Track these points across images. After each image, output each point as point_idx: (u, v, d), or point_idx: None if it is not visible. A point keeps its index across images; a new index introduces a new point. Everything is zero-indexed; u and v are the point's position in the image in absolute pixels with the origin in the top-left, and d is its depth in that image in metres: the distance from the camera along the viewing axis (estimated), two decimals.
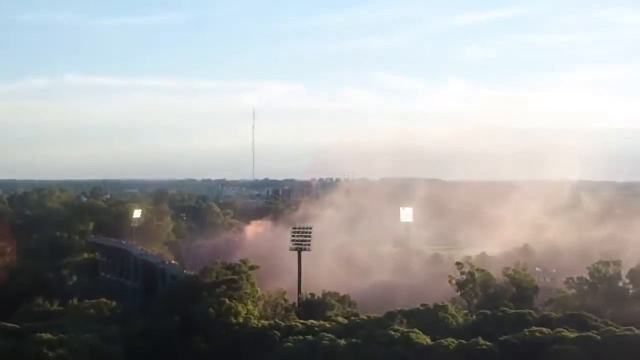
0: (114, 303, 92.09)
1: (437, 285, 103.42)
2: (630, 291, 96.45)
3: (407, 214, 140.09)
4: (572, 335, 72.63)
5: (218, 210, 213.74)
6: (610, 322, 77.41)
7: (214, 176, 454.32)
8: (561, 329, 74.14)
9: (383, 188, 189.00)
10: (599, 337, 71.48)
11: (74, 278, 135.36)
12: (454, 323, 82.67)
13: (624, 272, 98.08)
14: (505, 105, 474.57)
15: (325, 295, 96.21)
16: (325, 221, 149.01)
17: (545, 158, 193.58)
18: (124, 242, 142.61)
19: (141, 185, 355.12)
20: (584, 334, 72.65)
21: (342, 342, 74.48)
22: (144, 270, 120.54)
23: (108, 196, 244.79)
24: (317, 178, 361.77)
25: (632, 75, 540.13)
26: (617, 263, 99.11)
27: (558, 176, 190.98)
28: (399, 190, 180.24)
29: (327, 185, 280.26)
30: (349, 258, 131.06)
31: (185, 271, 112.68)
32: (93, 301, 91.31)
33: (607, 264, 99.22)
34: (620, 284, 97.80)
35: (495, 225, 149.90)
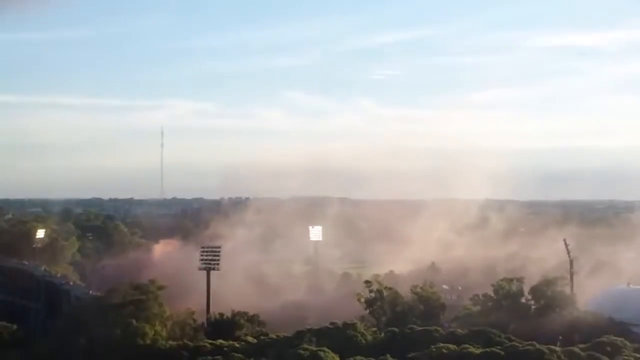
0: (15, 326, 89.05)
1: (347, 303, 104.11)
2: (533, 307, 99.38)
3: (316, 232, 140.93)
4: (478, 351, 74.30)
5: (125, 229, 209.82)
6: (513, 338, 79.54)
7: (121, 195, 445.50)
8: (467, 345, 75.71)
9: (293, 207, 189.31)
10: (502, 353, 73.34)
11: None
12: (363, 341, 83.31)
13: (526, 289, 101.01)
14: (413, 125, 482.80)
15: (234, 315, 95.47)
16: (235, 240, 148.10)
17: (453, 177, 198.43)
18: (26, 262, 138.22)
19: (45, 204, 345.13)
20: (488, 349, 74.39)
21: None
22: (47, 292, 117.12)
23: (10, 215, 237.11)
24: (227, 197, 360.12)
25: (535, 95, 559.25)
26: (520, 280, 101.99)
27: (466, 195, 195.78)
28: (309, 209, 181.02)
29: (237, 204, 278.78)
30: (259, 277, 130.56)
31: (90, 292, 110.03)
32: None
33: (510, 281, 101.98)
34: (523, 299, 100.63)
35: (403, 244, 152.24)
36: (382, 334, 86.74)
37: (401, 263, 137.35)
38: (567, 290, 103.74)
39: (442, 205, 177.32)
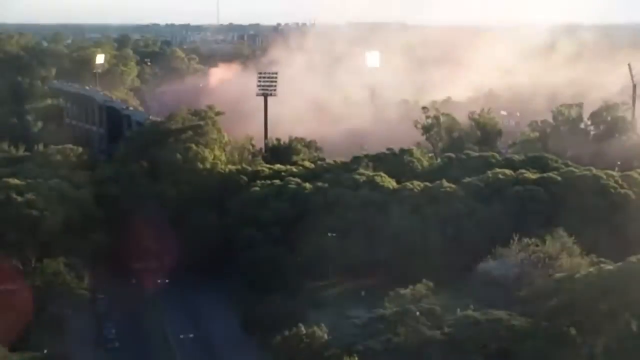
0: (81, 149, 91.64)
1: (404, 130, 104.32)
2: (592, 132, 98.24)
3: (373, 58, 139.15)
4: (534, 176, 74.33)
5: (183, 55, 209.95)
6: (570, 163, 79.17)
7: (177, 21, 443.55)
8: (523, 170, 75.71)
9: (352, 33, 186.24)
10: (559, 178, 73.26)
11: (39, 124, 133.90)
12: (420, 166, 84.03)
13: (587, 114, 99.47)
14: None
15: (291, 140, 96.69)
16: (293, 66, 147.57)
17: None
18: (87, 88, 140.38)
19: (104, 29, 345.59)
20: (545, 174, 74.34)
21: (308, 186, 75.56)
22: (109, 117, 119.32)
23: (69, 41, 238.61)
24: (284, 23, 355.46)
25: None
26: (580, 105, 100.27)
27: (534, 19, 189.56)
28: (368, 35, 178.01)
29: (293, 30, 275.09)
30: (317, 104, 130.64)
31: (150, 117, 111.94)
32: (59, 147, 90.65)
33: (570, 106, 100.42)
34: (582, 125, 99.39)
35: (463, 70, 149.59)
36: (439, 160, 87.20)
37: (460, 89, 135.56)
38: (629, 115, 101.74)
39: (507, 31, 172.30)
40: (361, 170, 78.61)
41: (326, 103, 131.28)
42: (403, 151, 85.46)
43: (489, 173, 75.60)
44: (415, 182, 74.88)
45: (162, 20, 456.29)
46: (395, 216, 70.15)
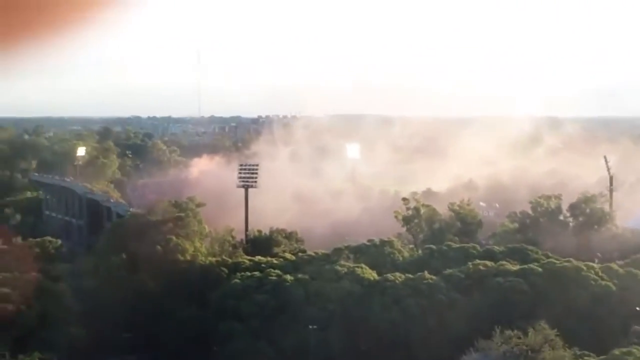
0: (59, 241, 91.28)
1: (385, 221, 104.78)
2: (571, 224, 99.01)
3: (354, 150, 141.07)
4: (514, 267, 74.54)
5: (164, 147, 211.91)
6: (550, 255, 79.55)
7: (159, 113, 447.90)
8: (504, 262, 75.95)
9: (332, 125, 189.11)
10: (539, 269, 73.51)
11: (18, 217, 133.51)
12: (400, 258, 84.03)
13: (565, 206, 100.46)
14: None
15: (272, 232, 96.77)
16: (274, 158, 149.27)
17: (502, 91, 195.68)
18: (68, 180, 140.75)
19: (85, 122, 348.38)
20: (525, 266, 74.61)
21: (289, 277, 75.30)
22: (89, 209, 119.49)
23: (51, 134, 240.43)
24: (264, 115, 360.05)
25: None
26: (558, 197, 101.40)
27: (514, 111, 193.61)
28: (348, 127, 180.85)
29: (274, 123, 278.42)
30: (298, 195, 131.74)
31: (131, 209, 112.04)
32: (38, 240, 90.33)
33: (548, 197, 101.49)
34: (562, 217, 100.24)
35: (443, 161, 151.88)
36: (419, 251, 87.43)
37: (440, 180, 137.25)
38: (607, 207, 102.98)
39: (488, 122, 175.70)
40: (342, 262, 78.53)
41: (308, 194, 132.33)
42: (384, 242, 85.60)
43: (470, 264, 75.73)
44: (397, 274, 74.77)
45: (143, 112, 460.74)
46: (376, 308, 69.86)
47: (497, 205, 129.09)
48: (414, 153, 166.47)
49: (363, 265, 77.09)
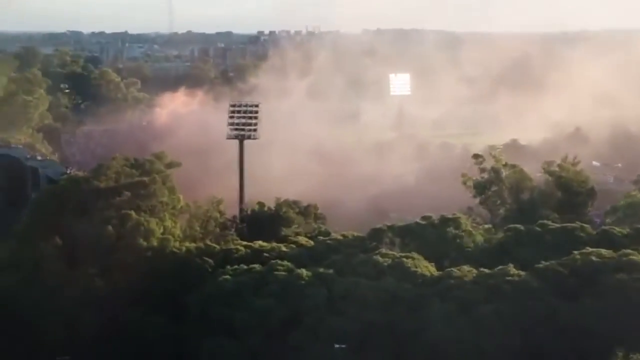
0: None
1: (447, 188, 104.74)
2: None
3: (402, 83, 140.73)
4: None
5: (118, 79, 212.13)
6: None
7: (110, 28, 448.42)
8: (628, 251, 75.59)
9: (370, 45, 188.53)
10: None
11: None
12: (471, 244, 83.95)
13: None
14: None
15: (280, 205, 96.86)
16: (281, 96, 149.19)
17: None
18: None
19: None
20: None
21: (305, 273, 75.39)
22: (5, 171, 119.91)
23: None
24: (268, 31, 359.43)
25: None
26: None
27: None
28: (391, 48, 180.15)
29: (282, 42, 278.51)
30: (319, 151, 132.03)
31: (69, 171, 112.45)
32: None
33: None
34: None
35: (536, 99, 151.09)
36: (499, 234, 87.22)
37: (531, 127, 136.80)
38: None
39: (603, 39, 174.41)
40: (384, 250, 78.58)
41: (333, 150, 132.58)
42: (446, 220, 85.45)
43: (576, 254, 75.44)
44: (465, 268, 74.71)
45: (85, 26, 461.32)
46: (435, 318, 69.98)
47: (619, 165, 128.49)
48: (491, 87, 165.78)
49: (415, 255, 76.97)
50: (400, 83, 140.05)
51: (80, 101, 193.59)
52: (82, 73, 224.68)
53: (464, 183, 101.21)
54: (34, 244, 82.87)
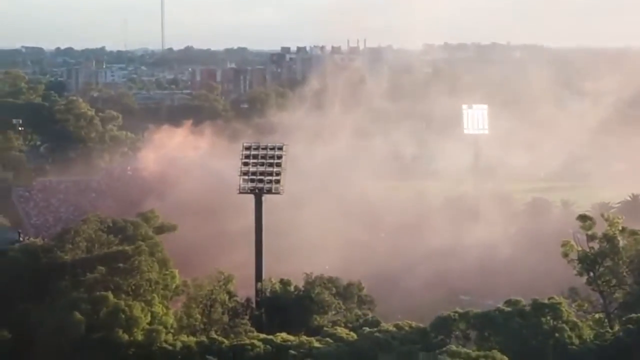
0: None
1: (541, 262, 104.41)
2: None
3: (478, 117, 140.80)
4: None
5: (91, 112, 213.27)
6: None
7: (80, 43, 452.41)
8: None
9: (432, 64, 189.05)
10: None
11: None
12: (576, 340, 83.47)
13: None
14: None
15: (311, 283, 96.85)
16: (314, 135, 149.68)
17: None
18: None
19: None
20: None
21: None
22: None
23: None
24: (295, 47, 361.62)
25: None
26: None
27: None
28: (463, 69, 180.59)
29: (316, 61, 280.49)
30: (364, 210, 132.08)
31: (23, 238, 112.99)
32: None
33: None
34: None
35: None
36: (616, 327, 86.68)
37: None
38: None
39: None
40: (453, 347, 78.28)
41: (384, 208, 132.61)
42: (540, 307, 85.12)
43: None
44: None
45: (48, 41, 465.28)
46: None
47: None
48: (603, 121, 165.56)
49: (497, 355, 76.60)
50: (476, 117, 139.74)
51: (39, 142, 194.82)
52: (43, 104, 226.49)
53: (565, 255, 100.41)
54: None
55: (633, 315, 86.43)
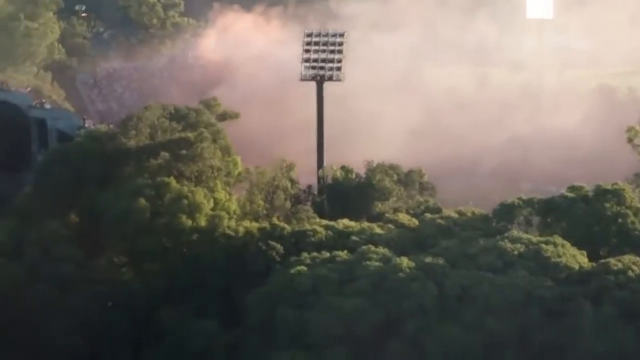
0: None
1: (603, 148, 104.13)
2: None
3: (540, 3, 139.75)
4: None
5: None
6: None
7: None
8: None
9: None
10: None
11: None
12: (638, 225, 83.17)
13: None
14: None
15: (372, 170, 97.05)
16: (377, 21, 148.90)
17: None
18: None
19: None
20: None
21: (407, 263, 75.61)
22: (1, 125, 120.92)
23: None
24: None
25: None
26: None
27: None
28: None
29: None
30: (426, 97, 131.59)
31: (88, 124, 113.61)
32: None
33: None
34: None
35: None
36: None
37: None
38: None
39: None
40: (515, 233, 78.56)
41: (446, 95, 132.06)
42: (603, 192, 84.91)
43: None
44: (631, 258, 74.55)
45: None
46: (586, 329, 70.08)
47: None
48: None
49: (558, 240, 76.89)
50: (538, 3, 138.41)
51: (102, 29, 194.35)
52: None
53: (630, 140, 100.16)
54: (42, 223, 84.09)
55: None
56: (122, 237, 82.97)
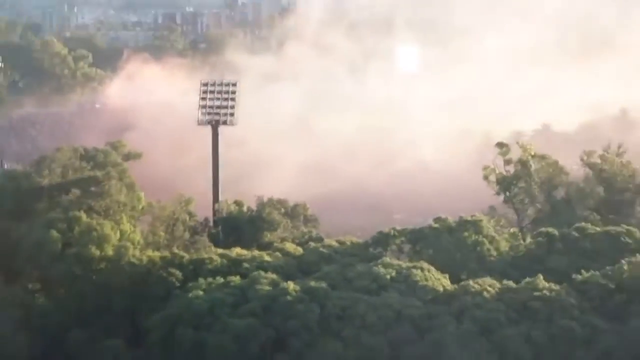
0: None
1: (464, 185, 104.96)
2: None
3: (408, 57, 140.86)
4: None
5: (64, 51, 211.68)
6: None
7: None
8: None
9: (376, 9, 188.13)
10: None
11: None
12: (493, 252, 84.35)
13: None
14: None
15: (262, 204, 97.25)
16: (264, 72, 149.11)
17: None
18: None
19: None
20: None
21: (293, 287, 75.75)
22: None
23: None
24: None
25: None
26: None
27: None
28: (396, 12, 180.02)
29: (266, 5, 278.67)
30: (308, 141, 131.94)
31: (4, 165, 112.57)
32: None
33: None
34: None
35: (574, 72, 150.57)
36: (528, 239, 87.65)
37: (567, 109, 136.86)
38: None
39: None
40: (388, 260, 79.10)
41: (326, 138, 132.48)
42: (464, 223, 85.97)
43: (623, 264, 75.92)
44: (486, 280, 75.42)
45: None
46: (448, 343, 70.58)
47: None
48: (519, 60, 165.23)
49: (424, 265, 77.64)
50: (406, 55, 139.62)
51: (17, 78, 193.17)
52: (20, 44, 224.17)
53: (486, 178, 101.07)
54: None
55: (542, 229, 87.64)
56: (36, 265, 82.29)
